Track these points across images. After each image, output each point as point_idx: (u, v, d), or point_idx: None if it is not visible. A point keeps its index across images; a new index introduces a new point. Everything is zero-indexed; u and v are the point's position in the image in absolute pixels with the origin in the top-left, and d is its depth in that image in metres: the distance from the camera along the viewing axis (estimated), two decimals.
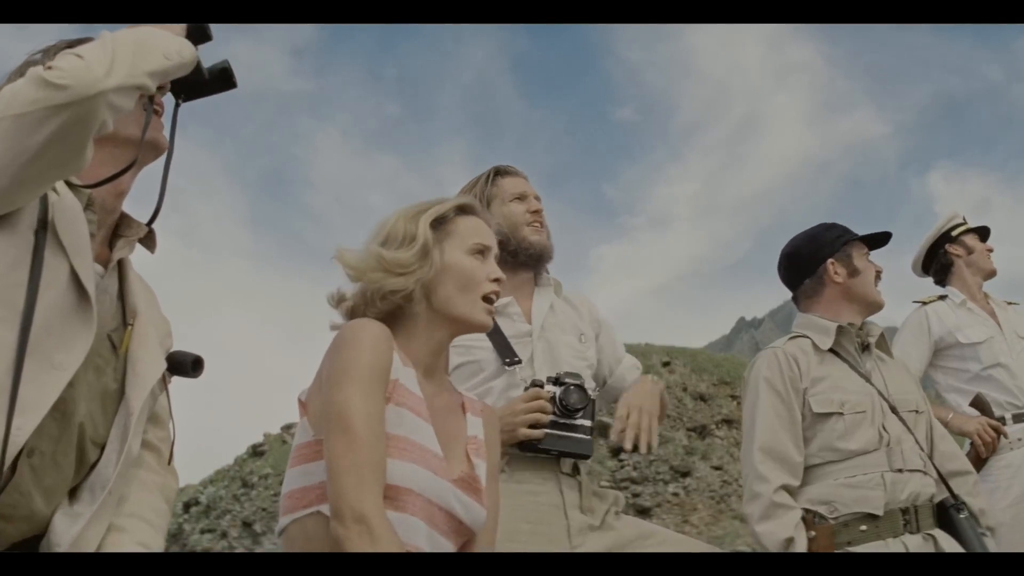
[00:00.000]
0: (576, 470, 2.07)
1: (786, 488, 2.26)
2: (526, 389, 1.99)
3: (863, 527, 2.20)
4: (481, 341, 2.10)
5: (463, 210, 1.59)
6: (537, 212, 2.24)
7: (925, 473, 2.28)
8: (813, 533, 2.21)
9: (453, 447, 1.48)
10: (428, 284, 1.50)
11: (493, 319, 1.55)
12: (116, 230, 1.44)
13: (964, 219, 3.47)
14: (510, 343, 2.10)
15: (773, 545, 2.18)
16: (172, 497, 1.49)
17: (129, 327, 1.38)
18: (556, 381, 1.97)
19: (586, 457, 1.99)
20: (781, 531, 2.18)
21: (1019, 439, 2.99)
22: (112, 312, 1.38)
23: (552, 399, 1.94)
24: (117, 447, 1.34)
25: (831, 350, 2.40)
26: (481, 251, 1.55)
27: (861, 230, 2.57)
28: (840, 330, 2.40)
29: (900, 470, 2.24)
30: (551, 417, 1.93)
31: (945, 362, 3.21)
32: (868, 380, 2.36)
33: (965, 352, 3.16)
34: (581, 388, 1.95)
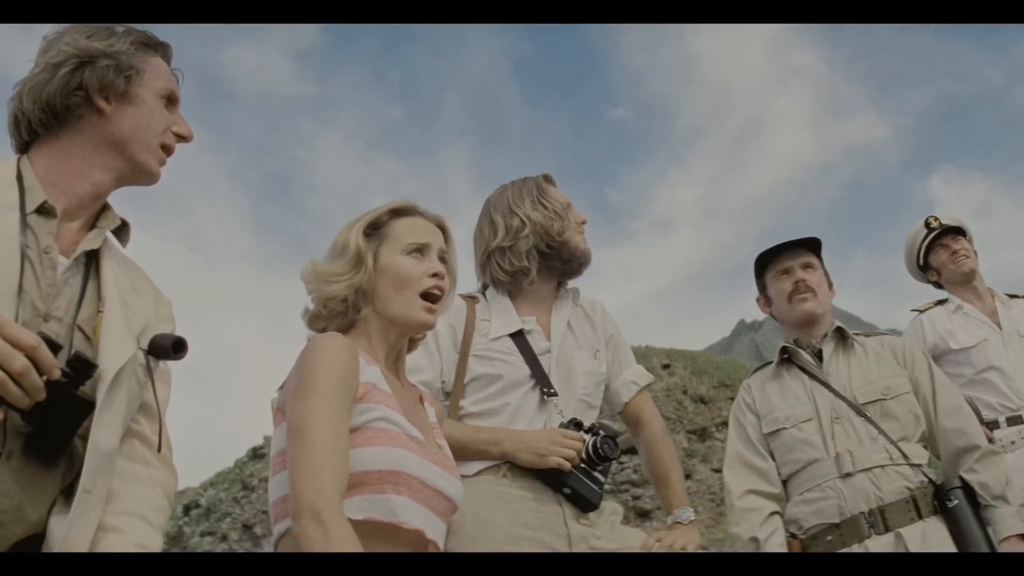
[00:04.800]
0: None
1: (755, 492, 2.38)
2: (562, 425, 2.06)
3: (829, 537, 2.25)
4: (508, 356, 2.13)
5: (398, 213, 1.64)
6: (584, 223, 2.31)
7: (894, 465, 2.25)
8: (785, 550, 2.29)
9: (424, 434, 1.53)
10: (369, 288, 1.57)
11: (434, 316, 1.59)
12: (96, 221, 1.48)
13: (927, 224, 3.38)
14: (542, 366, 2.14)
15: (743, 546, 2.29)
16: (172, 493, 1.48)
17: (99, 315, 1.39)
18: (591, 429, 2.05)
19: (594, 506, 2.04)
20: (746, 532, 2.31)
21: (1012, 442, 2.97)
22: (76, 302, 1.37)
23: (584, 444, 2.02)
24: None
25: (795, 364, 2.51)
26: (418, 249, 1.60)
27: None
28: (784, 349, 2.54)
29: (849, 474, 2.26)
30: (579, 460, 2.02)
31: (942, 367, 3.20)
32: (826, 384, 2.42)
33: (959, 357, 3.15)
34: (614, 442, 2.04)
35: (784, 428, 2.39)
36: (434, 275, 1.58)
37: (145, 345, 1.42)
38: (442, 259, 1.63)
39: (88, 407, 1.27)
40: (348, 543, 1.24)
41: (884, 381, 2.40)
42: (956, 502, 2.19)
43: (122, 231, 1.52)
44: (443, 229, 1.68)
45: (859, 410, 2.34)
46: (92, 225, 1.47)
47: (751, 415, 2.49)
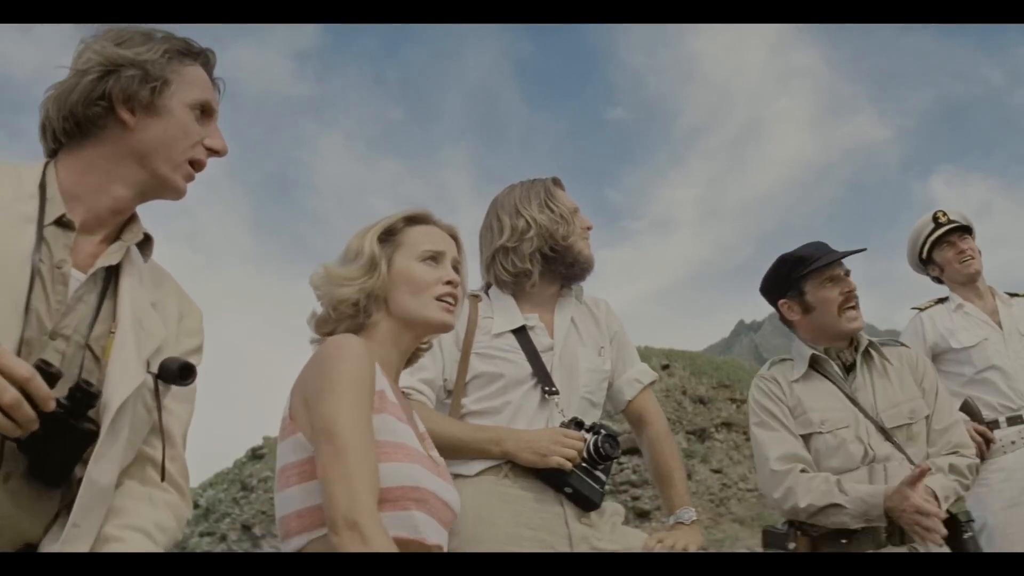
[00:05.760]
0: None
1: (800, 460, 2.31)
2: (563, 424, 2.05)
3: (844, 540, 2.22)
4: (510, 353, 2.13)
5: (413, 220, 1.66)
6: (590, 228, 2.31)
7: None
8: (794, 545, 2.25)
9: (422, 444, 1.53)
10: (382, 293, 1.57)
11: (452, 316, 1.60)
12: (120, 234, 1.42)
13: (935, 219, 3.33)
14: (544, 364, 2.13)
15: (818, 494, 2.23)
16: (182, 517, 1.43)
17: (111, 336, 1.33)
18: (592, 428, 2.04)
19: (596, 505, 2.03)
20: (821, 498, 2.22)
21: (1012, 442, 2.96)
22: (89, 320, 1.32)
23: (586, 443, 2.01)
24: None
25: (816, 370, 2.44)
26: (432, 257, 1.61)
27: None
28: (814, 358, 2.44)
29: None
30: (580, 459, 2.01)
31: (943, 366, 3.18)
32: (853, 401, 2.36)
33: (959, 356, 3.13)
34: (615, 441, 2.02)
35: (819, 432, 2.33)
36: (448, 282, 1.59)
37: (155, 368, 1.35)
38: (455, 268, 1.64)
39: (89, 437, 1.23)
40: (388, 551, 1.23)
41: (909, 404, 2.37)
42: (970, 534, 2.19)
43: (145, 245, 1.45)
44: (456, 239, 1.69)
45: (888, 435, 2.31)
46: (116, 238, 1.41)
47: (784, 406, 2.40)
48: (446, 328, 1.60)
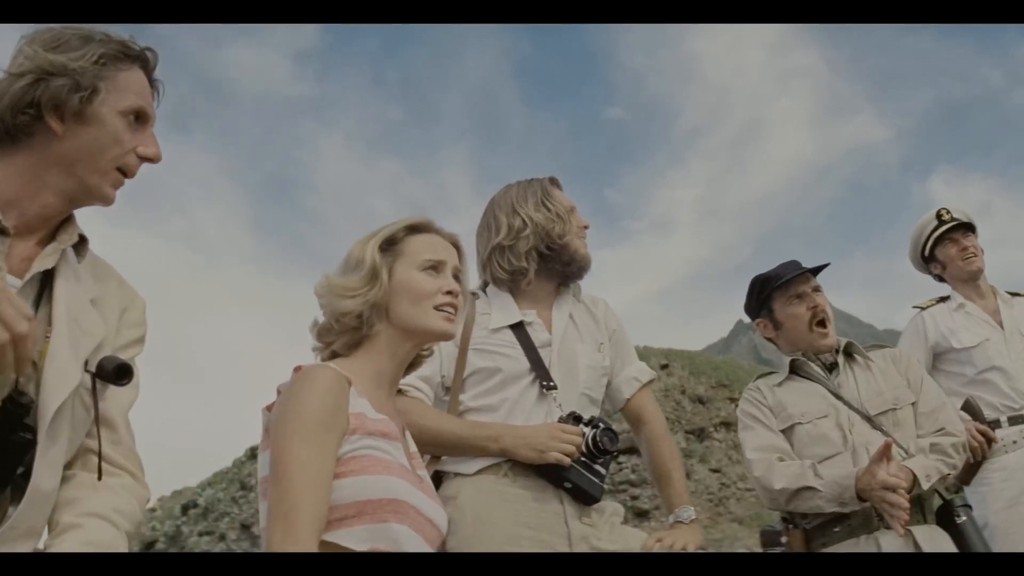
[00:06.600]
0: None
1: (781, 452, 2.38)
2: (561, 419, 2.04)
3: (836, 528, 2.26)
4: (508, 348, 2.13)
5: (414, 229, 1.66)
6: (587, 227, 2.31)
7: None
8: (786, 539, 2.31)
9: (410, 461, 1.53)
10: (384, 303, 1.57)
11: (453, 325, 1.60)
12: (56, 234, 1.41)
13: (938, 216, 3.34)
14: (541, 358, 2.13)
15: (791, 480, 2.30)
16: (140, 498, 1.42)
17: (46, 340, 1.31)
18: (590, 422, 2.03)
19: (596, 500, 2.02)
20: (798, 473, 2.29)
21: (1014, 442, 2.97)
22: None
23: (584, 437, 2.00)
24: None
25: (799, 374, 2.53)
26: (433, 266, 1.61)
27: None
28: (793, 363, 2.55)
29: None
30: (579, 454, 2.00)
31: (944, 366, 3.19)
32: (837, 395, 2.43)
33: (960, 356, 3.14)
34: (614, 434, 2.02)
35: (799, 424, 2.41)
36: (448, 292, 1.59)
37: (93, 367, 1.34)
38: (456, 277, 1.64)
39: (25, 446, 1.23)
40: None
41: (893, 392, 2.44)
42: (964, 519, 2.20)
43: (80, 246, 1.44)
44: (457, 247, 1.69)
45: (874, 423, 2.36)
46: (51, 239, 1.39)
47: (767, 409, 2.50)
48: (446, 336, 1.61)
